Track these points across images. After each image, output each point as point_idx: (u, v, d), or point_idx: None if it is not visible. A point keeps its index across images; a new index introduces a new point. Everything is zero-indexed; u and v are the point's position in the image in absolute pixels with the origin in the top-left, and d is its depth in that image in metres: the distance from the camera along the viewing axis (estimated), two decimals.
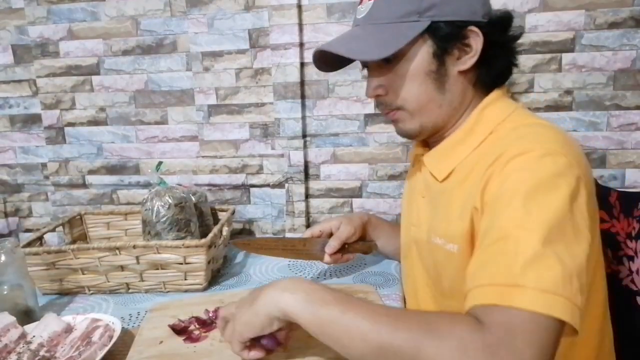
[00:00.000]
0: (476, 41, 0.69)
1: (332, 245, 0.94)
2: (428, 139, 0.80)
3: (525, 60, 1.17)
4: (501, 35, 0.72)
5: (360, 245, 0.99)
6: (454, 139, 0.74)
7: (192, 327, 0.81)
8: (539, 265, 0.51)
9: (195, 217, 1.09)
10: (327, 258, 0.95)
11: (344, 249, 0.96)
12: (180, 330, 0.80)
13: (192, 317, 0.83)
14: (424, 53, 0.69)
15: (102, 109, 1.38)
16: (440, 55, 0.69)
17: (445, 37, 0.68)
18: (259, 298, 0.63)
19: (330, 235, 0.97)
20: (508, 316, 0.50)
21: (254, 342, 0.67)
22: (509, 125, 0.69)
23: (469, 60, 0.70)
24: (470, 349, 0.49)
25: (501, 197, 0.58)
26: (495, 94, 0.73)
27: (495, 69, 0.73)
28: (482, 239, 0.59)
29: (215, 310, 0.84)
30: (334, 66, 0.81)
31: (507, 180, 0.59)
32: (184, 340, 0.78)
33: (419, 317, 0.55)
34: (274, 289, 0.63)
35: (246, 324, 0.64)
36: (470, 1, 0.69)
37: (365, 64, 0.77)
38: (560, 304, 0.50)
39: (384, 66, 0.72)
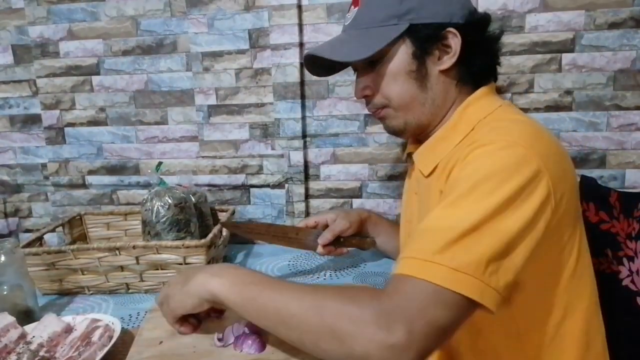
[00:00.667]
0: (455, 42, 0.72)
1: (326, 236, 0.95)
2: (418, 137, 0.83)
3: (525, 61, 1.17)
4: (479, 36, 0.75)
5: (356, 240, 0.99)
6: (439, 136, 0.77)
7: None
8: (459, 247, 0.54)
9: (195, 217, 1.09)
10: (319, 249, 0.96)
11: (338, 242, 0.97)
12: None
13: None
14: (403, 53, 0.74)
15: (102, 109, 1.38)
16: (420, 56, 0.73)
17: (424, 38, 0.72)
18: (190, 281, 0.69)
19: (326, 227, 0.97)
20: (413, 287, 0.53)
21: (186, 318, 0.74)
22: (488, 122, 0.71)
23: (449, 60, 0.73)
24: (367, 313, 0.53)
25: (455, 183, 0.61)
26: (479, 92, 0.76)
27: (474, 68, 0.75)
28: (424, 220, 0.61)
29: None
30: (327, 71, 0.86)
31: (465, 168, 0.61)
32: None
33: (327, 289, 0.61)
34: (203, 274, 0.69)
35: (179, 303, 0.71)
36: (448, 5, 0.73)
37: (354, 68, 0.83)
38: (470, 283, 0.52)
39: (370, 68, 0.77)
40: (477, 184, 0.58)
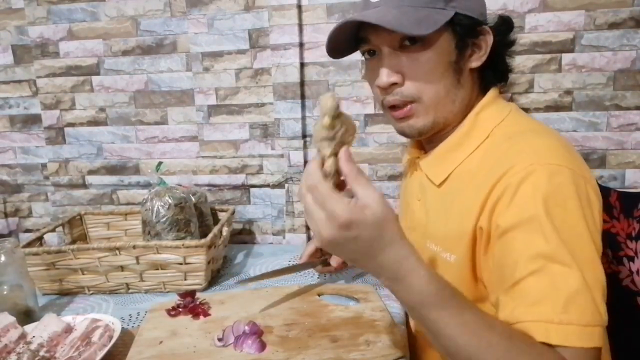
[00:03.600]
0: (487, 40, 0.70)
1: (336, 259, 0.98)
2: (427, 139, 0.78)
3: (525, 61, 1.17)
4: (506, 37, 0.74)
5: None
6: (451, 143, 0.73)
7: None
8: (578, 301, 0.54)
9: (195, 217, 1.09)
10: (321, 269, 1.01)
11: (344, 263, 1.00)
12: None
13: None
14: (448, 42, 0.68)
15: (102, 109, 1.38)
16: (461, 48, 0.69)
17: (465, 30, 0.69)
18: (379, 256, 0.53)
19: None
20: (567, 354, 0.53)
21: None
22: (503, 131, 0.69)
23: (480, 58, 0.71)
24: None
25: (519, 226, 0.58)
26: (490, 96, 0.74)
27: (499, 70, 0.75)
28: (510, 269, 0.58)
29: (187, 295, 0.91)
30: (339, 52, 0.75)
31: (520, 209, 0.59)
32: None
33: (518, 345, 0.54)
34: (402, 273, 0.53)
35: (346, 254, 0.55)
36: (480, 4, 0.72)
37: (373, 52, 0.72)
38: (599, 334, 0.54)
39: (402, 52, 0.68)
40: (547, 224, 0.56)
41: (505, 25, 0.74)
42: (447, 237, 0.70)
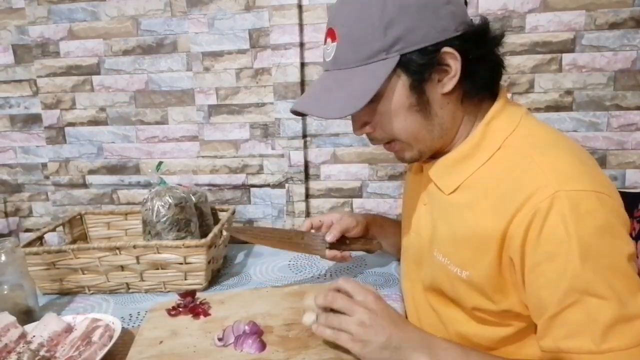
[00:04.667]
0: (454, 61, 0.64)
1: (333, 233, 0.92)
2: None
3: (525, 61, 1.17)
4: (479, 47, 0.66)
5: (362, 242, 0.98)
6: (461, 153, 0.71)
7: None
8: (618, 329, 0.56)
9: (195, 217, 1.10)
10: (328, 253, 0.94)
11: (344, 244, 0.96)
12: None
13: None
14: (400, 88, 0.66)
15: (103, 109, 1.38)
16: (418, 86, 0.66)
17: (419, 67, 0.64)
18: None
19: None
20: None
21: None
22: (517, 141, 0.67)
23: (450, 81, 0.66)
24: None
25: (551, 259, 0.59)
26: (499, 104, 0.71)
27: (480, 80, 0.68)
28: (545, 302, 0.60)
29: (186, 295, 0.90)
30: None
31: (551, 242, 0.59)
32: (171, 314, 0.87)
33: None
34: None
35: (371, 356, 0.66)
36: (438, 21, 0.64)
37: None
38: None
39: (364, 107, 0.67)
40: (582, 256, 0.57)
41: (476, 32, 0.67)
42: (458, 250, 0.69)
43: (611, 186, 0.63)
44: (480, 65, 0.67)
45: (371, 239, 0.99)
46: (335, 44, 0.67)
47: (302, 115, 0.76)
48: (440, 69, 0.65)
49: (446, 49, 0.64)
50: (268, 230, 1.02)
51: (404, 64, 0.64)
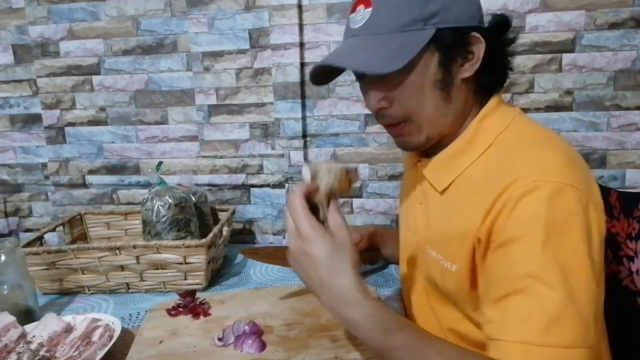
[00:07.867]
0: (479, 47, 0.67)
1: None
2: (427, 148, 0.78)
3: (525, 61, 1.17)
4: (500, 40, 0.70)
5: (367, 255, 1.01)
6: (454, 150, 0.72)
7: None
8: (562, 323, 0.54)
9: (195, 217, 1.10)
10: None
11: None
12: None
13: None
14: (430, 63, 0.66)
15: (103, 109, 1.38)
16: (446, 64, 0.67)
17: (451, 45, 0.66)
18: (334, 287, 0.59)
19: None
20: None
21: None
22: (509, 138, 0.68)
23: (472, 67, 0.68)
24: None
25: (514, 241, 0.58)
26: (493, 102, 0.72)
27: (495, 74, 0.71)
28: (497, 282, 0.59)
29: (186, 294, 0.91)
30: (325, 78, 0.79)
31: (519, 224, 0.58)
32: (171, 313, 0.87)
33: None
34: (351, 294, 0.59)
35: (308, 279, 0.63)
36: (470, 6, 0.68)
37: (361, 76, 0.73)
38: (583, 355, 0.53)
39: (387, 77, 0.67)
40: (543, 244, 0.56)
41: (500, 26, 0.71)
42: (448, 245, 0.69)
43: (594, 188, 0.62)
44: (497, 60, 0.70)
45: (373, 252, 1.03)
46: (369, 9, 0.66)
47: (325, 78, 0.76)
48: (465, 53, 0.67)
49: (474, 33, 0.67)
50: (280, 250, 1.02)
51: (438, 39, 0.65)
